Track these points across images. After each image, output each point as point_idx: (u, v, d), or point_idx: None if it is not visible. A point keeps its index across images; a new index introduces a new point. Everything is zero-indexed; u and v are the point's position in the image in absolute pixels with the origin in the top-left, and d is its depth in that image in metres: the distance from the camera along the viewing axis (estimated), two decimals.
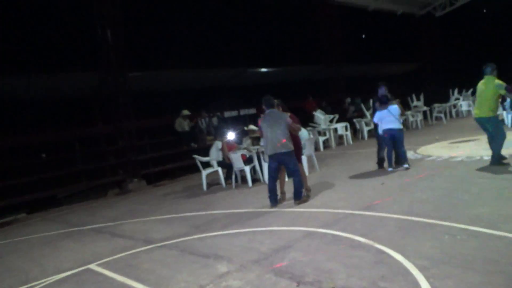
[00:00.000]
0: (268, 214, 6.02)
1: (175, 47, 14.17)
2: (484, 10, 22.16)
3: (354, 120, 15.45)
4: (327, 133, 13.73)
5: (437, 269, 3.28)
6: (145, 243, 5.48)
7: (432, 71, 22.64)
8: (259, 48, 16.06)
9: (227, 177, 9.48)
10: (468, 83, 18.85)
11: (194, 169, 11.05)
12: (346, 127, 14.14)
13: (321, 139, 13.43)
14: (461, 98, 18.83)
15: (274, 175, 6.54)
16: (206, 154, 9.93)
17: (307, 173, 8.76)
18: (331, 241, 4.31)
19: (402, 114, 7.92)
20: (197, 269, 4.17)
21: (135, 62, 12.48)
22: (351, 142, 13.95)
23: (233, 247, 4.65)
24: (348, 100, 18.19)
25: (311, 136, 10.34)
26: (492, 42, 21.03)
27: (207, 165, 9.78)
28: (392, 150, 7.89)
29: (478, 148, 9.00)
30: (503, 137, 6.96)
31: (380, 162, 8.24)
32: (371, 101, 16.09)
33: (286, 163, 6.35)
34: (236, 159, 8.87)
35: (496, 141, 6.97)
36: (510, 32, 20.68)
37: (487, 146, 8.46)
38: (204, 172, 9.36)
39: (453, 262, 3.36)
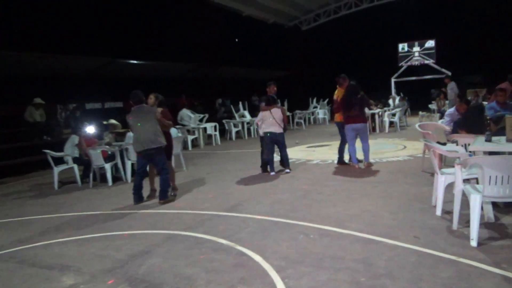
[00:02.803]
0: (128, 216, 5.62)
1: (37, 26, 12.37)
2: (340, 31, 24.85)
3: (224, 121, 15.72)
4: (196, 132, 13.66)
5: (292, 269, 3.43)
6: None
7: (297, 80, 24.50)
8: (132, 39, 15.12)
9: (84, 175, 8.63)
10: (325, 93, 21.02)
11: (46, 166, 9.77)
12: (215, 127, 14.27)
13: (190, 137, 13.30)
14: (319, 106, 20.87)
15: (141, 172, 6.30)
16: (62, 149, 8.87)
17: None
18: (193, 245, 4.19)
19: (284, 120, 7.82)
20: (37, 283, 3.60)
21: None
22: (219, 142, 14.14)
23: (84, 255, 4.17)
24: (219, 101, 18.48)
25: (179, 134, 10.10)
26: (348, 57, 23.75)
27: (61, 161, 8.74)
28: (272, 153, 7.79)
29: (331, 153, 10.00)
30: (343, 143, 8.00)
31: (263, 165, 8.02)
32: (240, 104, 16.68)
33: (155, 160, 6.10)
34: (95, 155, 8.12)
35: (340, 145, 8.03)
36: (362, 52, 23.68)
37: (337, 151, 9.44)
38: (56, 169, 8.34)
39: (306, 261, 3.56)
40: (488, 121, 4.78)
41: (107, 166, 8.17)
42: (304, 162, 8.89)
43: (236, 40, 22.90)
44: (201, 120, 14.39)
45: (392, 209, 4.89)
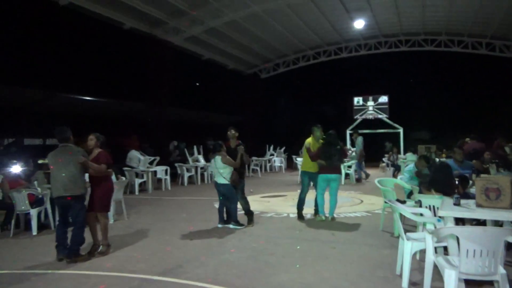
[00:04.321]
0: (42, 278, 4.63)
1: None
2: (298, 81, 25.30)
3: (176, 164, 14.92)
4: (145, 176, 12.72)
5: None
6: None
7: (254, 126, 24.27)
8: (76, 73, 14.16)
9: (6, 222, 7.46)
10: (282, 141, 20.88)
11: None
12: (166, 170, 13.43)
13: (137, 181, 12.34)
14: (275, 154, 20.60)
15: (62, 220, 5.46)
16: None
17: (111, 221, 7.65)
18: None
19: (232, 164, 6.87)
20: None
21: None
22: (169, 187, 13.25)
23: None
24: (174, 143, 17.71)
25: (123, 178, 9.20)
26: (304, 107, 24.00)
27: None
28: (222, 204, 7.14)
29: (286, 205, 9.46)
30: (301, 196, 7.62)
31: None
32: (194, 147, 16.00)
33: (70, 209, 5.31)
34: (20, 198, 7.06)
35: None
36: (318, 102, 24.09)
37: (293, 202, 8.94)
38: None
39: None
40: (458, 182, 4.45)
41: (33, 212, 7.10)
42: (258, 215, 8.24)
43: (197, 84, 22.54)
44: (151, 163, 13.51)
45: (352, 278, 4.31)
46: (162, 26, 16.52)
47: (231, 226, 6.96)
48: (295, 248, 5.57)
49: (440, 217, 3.86)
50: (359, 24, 18.43)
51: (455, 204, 3.95)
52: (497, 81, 20.44)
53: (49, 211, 7.42)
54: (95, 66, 14.63)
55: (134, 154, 13.33)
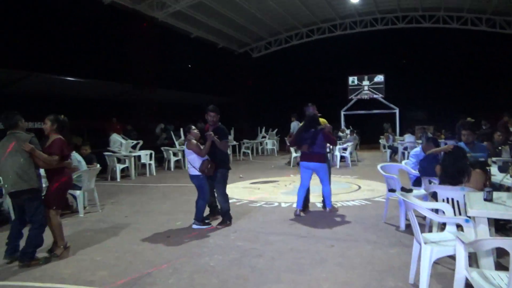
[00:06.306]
0: None
1: None
2: (290, 61, 24.24)
3: (162, 148, 14.05)
4: (127, 161, 11.85)
5: None
6: None
7: (245, 108, 23.33)
8: (54, 51, 13.10)
9: None
10: (274, 123, 20.01)
11: None
12: (150, 155, 12.57)
13: (119, 167, 11.47)
14: (267, 136, 19.76)
15: (18, 217, 4.72)
16: None
17: (81, 214, 6.84)
18: None
19: (199, 153, 5.70)
20: None
21: None
22: (154, 173, 12.43)
23: None
24: (161, 126, 16.76)
25: (98, 165, 8.26)
26: (297, 87, 23.08)
27: None
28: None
29: (277, 192, 8.70)
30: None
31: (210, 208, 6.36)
32: (181, 130, 15.09)
33: (26, 207, 4.50)
34: None
35: None
36: (311, 83, 23.18)
37: (285, 189, 8.14)
38: None
39: None
40: (488, 170, 3.64)
41: None
42: (246, 204, 7.47)
43: (189, 66, 21.37)
44: (134, 147, 12.62)
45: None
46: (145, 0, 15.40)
47: (193, 226, 5.84)
48: (287, 246, 4.78)
49: (468, 216, 3.08)
50: None
51: (486, 200, 3.16)
52: (497, 58, 19.65)
53: (9, 204, 6.57)
54: (74, 44, 13.57)
55: (116, 138, 12.48)
